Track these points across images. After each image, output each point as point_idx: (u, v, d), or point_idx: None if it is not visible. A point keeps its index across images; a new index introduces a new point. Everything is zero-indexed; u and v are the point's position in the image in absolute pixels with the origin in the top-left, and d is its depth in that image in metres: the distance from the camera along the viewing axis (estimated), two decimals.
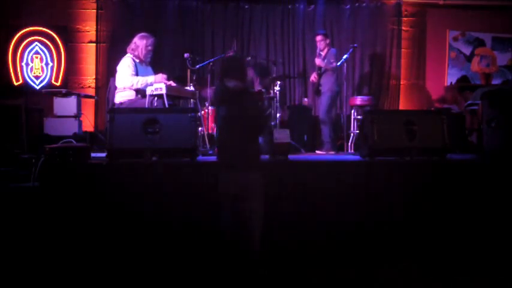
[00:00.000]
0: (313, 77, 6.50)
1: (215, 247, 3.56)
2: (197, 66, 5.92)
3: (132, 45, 5.25)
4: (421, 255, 3.94)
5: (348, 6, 7.43)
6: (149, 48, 5.28)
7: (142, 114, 4.07)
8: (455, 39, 7.70)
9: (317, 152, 6.29)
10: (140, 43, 5.23)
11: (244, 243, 3.35)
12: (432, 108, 7.21)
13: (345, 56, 6.24)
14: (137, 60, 5.21)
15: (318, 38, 6.50)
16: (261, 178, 3.37)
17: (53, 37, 7.01)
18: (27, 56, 7.00)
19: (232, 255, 3.42)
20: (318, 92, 6.51)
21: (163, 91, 4.76)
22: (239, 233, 3.36)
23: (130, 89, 5.08)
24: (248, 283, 3.29)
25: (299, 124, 6.69)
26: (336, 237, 4.00)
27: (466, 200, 4.13)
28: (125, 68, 5.09)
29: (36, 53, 7.02)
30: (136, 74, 5.11)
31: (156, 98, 4.89)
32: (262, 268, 3.42)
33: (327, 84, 6.35)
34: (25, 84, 6.97)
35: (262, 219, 3.39)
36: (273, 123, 6.01)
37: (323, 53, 6.48)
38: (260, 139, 5.49)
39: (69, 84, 7.01)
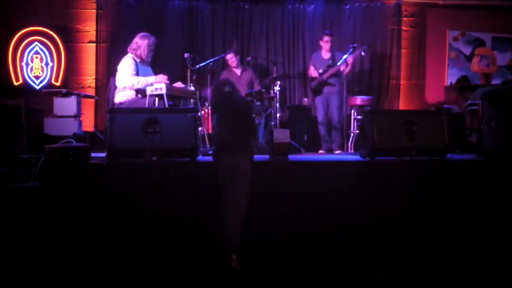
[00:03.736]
0: (314, 72, 6.43)
1: (213, 246, 3.58)
2: (197, 66, 5.93)
3: (133, 45, 5.24)
4: (421, 255, 3.94)
5: (348, 6, 7.43)
6: (151, 47, 5.28)
7: (142, 114, 4.07)
8: (455, 39, 7.70)
9: (320, 151, 6.30)
10: (142, 43, 5.22)
11: (223, 229, 3.53)
12: (432, 108, 7.21)
13: (345, 56, 6.24)
14: (138, 60, 5.21)
15: (328, 38, 6.46)
16: (247, 166, 3.64)
17: (53, 37, 7.02)
18: (27, 56, 7.00)
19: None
20: (317, 92, 6.46)
21: (164, 91, 4.77)
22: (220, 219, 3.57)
23: (131, 88, 5.08)
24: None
25: (299, 124, 6.68)
26: (336, 237, 4.00)
27: (466, 200, 4.13)
28: (126, 67, 5.09)
29: (36, 53, 7.02)
30: (137, 74, 5.11)
31: (156, 98, 4.90)
32: (237, 262, 3.48)
33: (338, 85, 6.31)
34: (25, 84, 6.98)
35: (244, 207, 3.58)
36: (272, 123, 6.02)
37: (329, 54, 6.45)
38: (260, 138, 5.58)
39: (69, 84, 7.01)
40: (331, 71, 6.30)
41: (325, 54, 6.51)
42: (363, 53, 6.41)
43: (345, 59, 6.19)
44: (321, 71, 6.37)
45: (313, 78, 6.49)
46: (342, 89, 6.26)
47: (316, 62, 6.51)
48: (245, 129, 3.77)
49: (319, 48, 6.64)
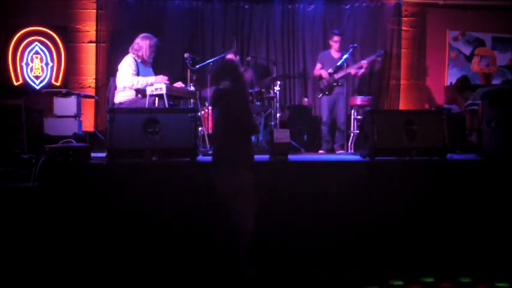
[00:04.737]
0: (324, 72, 6.41)
1: (212, 247, 3.58)
2: (197, 66, 5.92)
3: (135, 46, 5.24)
4: (421, 255, 3.94)
5: (348, 6, 7.43)
6: (152, 49, 5.27)
7: (142, 114, 4.07)
8: (455, 39, 7.70)
9: (320, 151, 6.29)
10: (143, 43, 5.22)
11: (233, 243, 3.40)
12: (432, 108, 7.21)
13: (345, 56, 6.24)
14: (139, 60, 5.21)
15: (338, 38, 6.45)
16: (251, 177, 3.43)
17: (53, 37, 7.02)
18: (27, 56, 7.00)
19: (223, 255, 3.46)
20: (326, 92, 6.42)
21: (164, 91, 4.77)
22: (229, 232, 3.43)
23: (131, 88, 5.08)
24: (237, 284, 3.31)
25: (299, 124, 6.68)
26: (336, 237, 4.00)
27: (466, 200, 4.13)
28: (126, 67, 5.10)
29: (36, 53, 7.02)
30: (138, 74, 5.11)
31: (156, 98, 4.90)
32: (251, 269, 3.42)
33: (345, 86, 6.27)
34: (25, 84, 6.98)
35: (252, 219, 3.42)
36: (272, 123, 6.02)
37: (339, 54, 6.43)
38: (254, 138, 5.47)
39: (69, 84, 7.01)
40: (342, 72, 6.27)
41: (335, 54, 6.48)
42: (379, 59, 6.55)
43: (345, 59, 6.19)
44: (330, 70, 6.33)
45: (320, 77, 6.45)
46: (347, 90, 6.28)
47: (325, 61, 6.47)
48: (242, 133, 3.49)
49: (328, 47, 6.65)
